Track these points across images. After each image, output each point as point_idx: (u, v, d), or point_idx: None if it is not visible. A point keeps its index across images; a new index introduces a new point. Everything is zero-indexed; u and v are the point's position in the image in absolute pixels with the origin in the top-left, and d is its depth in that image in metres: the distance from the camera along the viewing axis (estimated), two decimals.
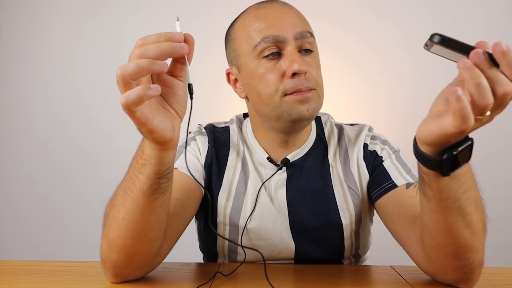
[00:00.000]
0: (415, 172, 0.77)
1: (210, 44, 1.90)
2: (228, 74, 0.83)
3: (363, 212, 0.80)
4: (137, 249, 0.60)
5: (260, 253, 0.72)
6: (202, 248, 0.92)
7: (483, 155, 1.86)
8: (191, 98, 0.53)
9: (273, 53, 0.73)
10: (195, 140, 0.85)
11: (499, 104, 0.43)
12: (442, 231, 0.57)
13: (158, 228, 0.61)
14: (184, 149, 0.83)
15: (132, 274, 0.64)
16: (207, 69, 1.90)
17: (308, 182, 0.80)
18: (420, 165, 0.52)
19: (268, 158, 0.81)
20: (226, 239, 0.80)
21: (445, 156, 0.48)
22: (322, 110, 0.92)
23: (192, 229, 0.86)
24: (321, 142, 0.85)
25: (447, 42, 0.43)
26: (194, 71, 1.97)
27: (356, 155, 0.82)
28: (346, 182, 0.80)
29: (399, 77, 1.81)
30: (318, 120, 0.89)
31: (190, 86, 0.53)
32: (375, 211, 0.82)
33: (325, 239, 0.79)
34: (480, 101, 0.42)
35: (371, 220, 0.86)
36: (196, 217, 0.88)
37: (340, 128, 0.87)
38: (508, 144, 1.83)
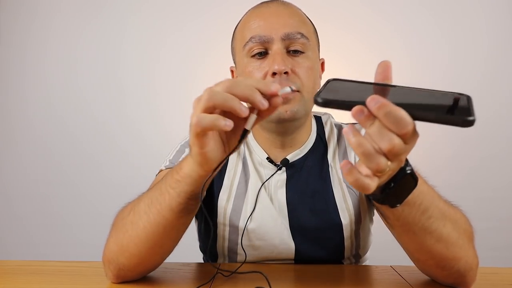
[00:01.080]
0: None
1: (210, 44, 1.91)
2: (232, 72, 0.86)
3: (363, 212, 0.80)
4: (149, 257, 0.61)
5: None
6: (202, 248, 0.92)
7: (484, 156, 1.86)
8: (240, 142, 0.51)
9: (260, 52, 0.74)
10: None
11: (393, 157, 0.39)
12: (415, 250, 0.58)
13: (175, 242, 0.62)
14: (185, 149, 0.83)
15: (134, 277, 0.64)
16: (207, 69, 1.90)
17: (307, 183, 0.80)
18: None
19: (267, 158, 0.81)
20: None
21: (384, 193, 0.46)
22: (323, 110, 0.92)
23: (192, 229, 0.86)
24: (321, 142, 0.85)
25: (331, 103, 0.41)
26: (194, 71, 1.98)
27: (355, 155, 0.82)
28: (345, 182, 0.81)
29: (399, 77, 1.80)
30: (318, 120, 0.89)
31: (245, 132, 0.50)
32: (375, 211, 0.82)
33: (325, 239, 0.79)
34: (371, 166, 0.39)
35: (371, 220, 0.86)
36: (196, 217, 0.88)
37: (340, 128, 0.87)
38: (509, 145, 1.83)
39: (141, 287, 0.63)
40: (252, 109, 0.48)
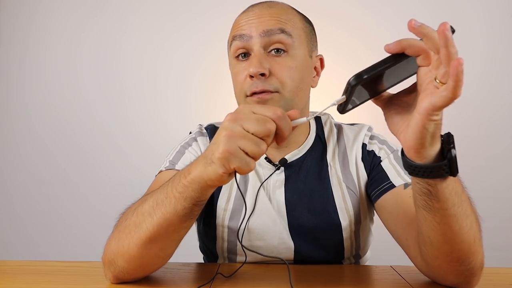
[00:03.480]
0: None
1: (210, 44, 1.91)
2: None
3: (362, 212, 0.80)
4: (150, 260, 0.61)
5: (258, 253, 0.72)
6: (202, 248, 0.92)
7: (485, 157, 1.86)
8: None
9: (244, 54, 0.75)
10: (196, 141, 0.85)
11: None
12: (447, 240, 0.56)
13: (176, 245, 0.62)
14: (185, 150, 0.83)
15: (133, 278, 0.64)
16: (207, 69, 1.90)
17: (306, 183, 0.80)
18: (423, 181, 0.52)
19: (266, 158, 0.81)
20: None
21: (449, 154, 0.48)
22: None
23: (192, 229, 0.86)
24: (320, 142, 0.85)
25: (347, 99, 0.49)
26: (194, 71, 1.98)
27: (355, 155, 0.82)
28: (345, 182, 0.80)
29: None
30: (318, 120, 0.88)
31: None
32: (375, 211, 0.82)
33: (324, 239, 0.79)
34: (454, 50, 0.43)
35: (372, 220, 0.85)
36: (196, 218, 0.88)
37: (340, 128, 0.87)
38: (510, 145, 1.83)
39: (141, 287, 0.63)
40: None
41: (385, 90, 0.53)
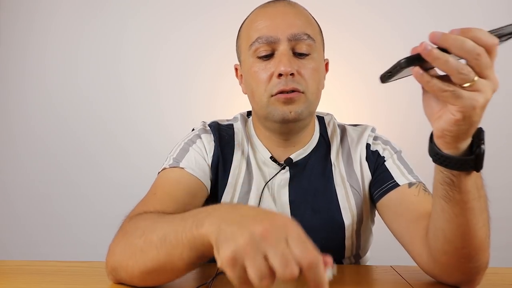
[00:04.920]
0: (416, 172, 0.77)
1: (210, 44, 1.91)
2: (236, 69, 0.86)
3: (365, 212, 0.80)
4: (151, 282, 0.58)
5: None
6: None
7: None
8: None
9: (266, 53, 0.74)
10: (200, 138, 0.84)
11: (479, 70, 0.44)
12: (462, 234, 0.56)
13: (184, 273, 0.57)
14: (189, 147, 0.82)
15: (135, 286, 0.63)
16: (208, 68, 1.90)
17: (310, 182, 0.80)
18: (447, 171, 0.51)
19: (271, 157, 0.81)
20: None
21: (478, 150, 0.49)
22: (324, 110, 0.92)
23: None
24: (324, 142, 0.85)
25: (392, 74, 0.46)
26: (195, 70, 1.98)
27: (359, 155, 0.82)
28: (349, 182, 0.80)
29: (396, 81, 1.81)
30: (321, 120, 0.89)
31: None
32: (376, 212, 0.82)
33: (326, 239, 0.78)
34: (458, 77, 0.43)
35: (373, 221, 0.85)
36: None
37: (343, 128, 0.87)
38: (508, 144, 1.83)
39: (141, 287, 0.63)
40: None
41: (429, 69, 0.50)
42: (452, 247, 0.58)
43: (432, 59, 0.42)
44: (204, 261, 0.53)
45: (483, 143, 0.49)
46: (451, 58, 0.42)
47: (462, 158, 0.49)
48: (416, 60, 0.44)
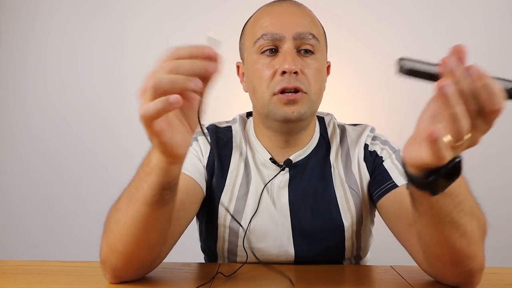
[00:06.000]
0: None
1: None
2: (238, 67, 0.86)
3: (364, 213, 0.80)
4: (137, 254, 0.60)
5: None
6: (203, 248, 0.92)
7: (483, 156, 1.86)
8: (199, 115, 0.50)
9: (270, 49, 0.74)
10: (197, 140, 0.84)
11: (473, 131, 0.41)
12: (437, 243, 0.56)
13: (160, 235, 0.61)
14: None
15: (131, 276, 0.64)
16: None
17: (310, 183, 0.80)
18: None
19: (271, 159, 0.81)
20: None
21: (432, 178, 0.45)
22: (325, 110, 0.92)
23: (193, 229, 0.86)
24: (324, 143, 0.85)
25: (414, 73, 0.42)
26: None
27: (357, 156, 0.82)
28: (348, 183, 0.80)
29: (399, 77, 1.81)
30: (321, 120, 0.89)
31: (201, 102, 0.50)
32: (376, 212, 0.82)
33: (326, 240, 0.79)
34: (454, 128, 0.40)
35: (372, 222, 0.85)
36: (198, 217, 0.88)
37: (343, 128, 0.87)
38: (508, 144, 1.83)
39: (141, 287, 0.63)
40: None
41: None
42: (433, 253, 0.59)
43: (444, 100, 0.39)
44: (169, 196, 0.55)
45: (444, 172, 0.45)
46: (459, 114, 0.39)
47: (416, 179, 0.47)
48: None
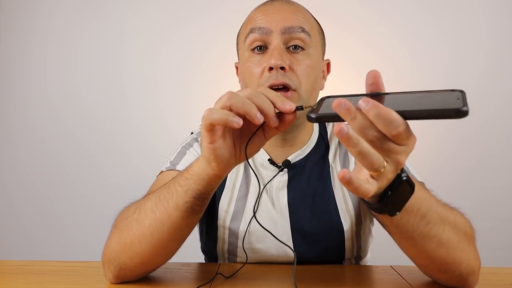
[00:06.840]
0: (416, 171, 0.77)
1: (210, 43, 1.91)
2: (236, 68, 0.86)
3: (363, 213, 0.80)
4: (152, 258, 0.60)
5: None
6: (203, 249, 0.92)
7: (483, 156, 1.86)
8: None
9: (259, 47, 0.74)
10: (197, 141, 0.85)
11: (387, 157, 0.40)
12: (416, 256, 0.58)
13: (177, 245, 0.62)
14: (186, 150, 0.82)
15: (135, 277, 0.64)
16: (207, 69, 1.90)
17: (309, 184, 0.80)
18: None
19: (269, 159, 0.81)
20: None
21: (382, 202, 0.45)
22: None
23: (194, 230, 0.86)
24: (323, 143, 0.84)
25: (323, 118, 0.43)
26: (195, 71, 1.97)
27: None
28: None
29: (399, 77, 1.81)
30: None
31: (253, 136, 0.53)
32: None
33: (325, 241, 0.78)
34: (366, 164, 0.40)
35: (372, 222, 0.85)
36: None
37: None
38: (509, 145, 1.83)
39: (141, 287, 0.63)
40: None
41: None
42: (418, 263, 0.61)
43: (346, 142, 0.38)
44: (199, 207, 0.57)
45: (390, 195, 0.44)
46: (365, 149, 0.39)
47: (369, 205, 0.47)
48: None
